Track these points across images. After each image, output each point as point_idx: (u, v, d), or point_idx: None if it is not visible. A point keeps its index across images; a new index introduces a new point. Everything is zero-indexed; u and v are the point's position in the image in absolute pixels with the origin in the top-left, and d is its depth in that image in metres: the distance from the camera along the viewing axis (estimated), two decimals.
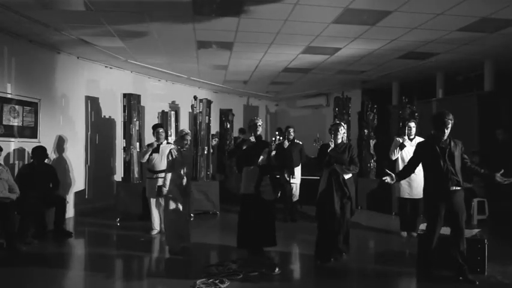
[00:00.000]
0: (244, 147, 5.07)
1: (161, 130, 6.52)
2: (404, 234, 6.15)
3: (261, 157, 5.01)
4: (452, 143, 4.22)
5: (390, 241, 6.08)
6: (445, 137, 4.21)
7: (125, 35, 6.34)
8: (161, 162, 6.33)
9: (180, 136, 5.56)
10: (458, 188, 4.20)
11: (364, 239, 6.34)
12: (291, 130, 7.50)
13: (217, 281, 4.03)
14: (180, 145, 5.47)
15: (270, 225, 5.04)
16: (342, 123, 5.22)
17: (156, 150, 6.37)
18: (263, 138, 5.53)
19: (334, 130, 5.06)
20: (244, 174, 5.09)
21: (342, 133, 5.06)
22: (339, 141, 5.05)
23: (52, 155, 7.19)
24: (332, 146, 4.96)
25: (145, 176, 6.89)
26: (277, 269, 4.51)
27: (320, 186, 4.99)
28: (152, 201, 6.36)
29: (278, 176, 5.42)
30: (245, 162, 5.10)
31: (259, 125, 5.14)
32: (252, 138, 5.06)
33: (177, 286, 4.29)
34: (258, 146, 5.05)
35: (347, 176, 4.96)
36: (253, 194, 4.93)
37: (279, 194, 5.19)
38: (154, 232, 6.33)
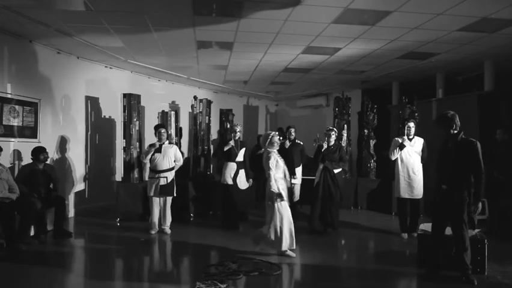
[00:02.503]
0: (225, 149, 6.60)
1: (163, 130, 6.56)
2: (405, 236, 6.15)
3: (239, 154, 6.62)
4: (459, 143, 4.19)
5: (390, 241, 6.08)
6: (451, 137, 4.21)
7: (125, 35, 6.34)
8: (163, 162, 6.36)
9: (268, 139, 5.32)
10: (453, 188, 4.18)
11: (364, 239, 6.34)
12: (292, 130, 7.52)
13: (217, 281, 4.03)
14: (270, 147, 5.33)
15: (236, 209, 6.58)
16: (334, 129, 6.76)
17: (158, 150, 6.39)
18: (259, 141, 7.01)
19: (327, 136, 6.61)
20: (224, 168, 6.63)
21: (333, 137, 6.60)
22: (332, 143, 6.59)
23: (54, 155, 7.20)
24: (325, 147, 6.51)
25: (145, 176, 6.92)
26: (277, 269, 4.51)
27: (316, 178, 6.54)
28: (154, 200, 6.37)
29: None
30: (226, 159, 6.66)
31: (238, 131, 6.77)
32: (232, 142, 6.63)
33: (177, 286, 4.30)
34: (237, 147, 6.66)
35: (337, 171, 6.59)
36: (231, 184, 6.51)
37: (250, 183, 6.85)
38: (154, 232, 6.34)
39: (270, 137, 5.26)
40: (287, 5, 4.93)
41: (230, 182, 6.52)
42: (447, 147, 4.26)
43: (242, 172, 6.65)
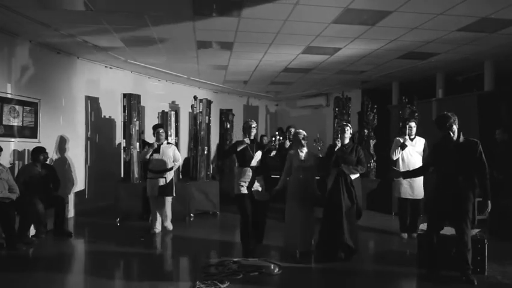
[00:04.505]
0: (238, 149, 5.11)
1: (161, 130, 6.55)
2: (405, 235, 6.13)
3: (255, 158, 5.13)
4: (462, 144, 4.18)
5: (390, 241, 6.08)
6: (454, 139, 4.19)
7: (125, 35, 6.34)
8: (162, 162, 6.35)
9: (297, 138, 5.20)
10: (463, 190, 4.16)
11: (364, 239, 6.32)
12: (292, 130, 7.51)
13: (217, 281, 4.03)
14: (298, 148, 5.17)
15: (260, 224, 5.19)
16: (349, 124, 5.32)
17: (157, 150, 6.39)
18: (266, 140, 5.63)
19: (341, 131, 5.22)
20: (237, 175, 5.17)
21: (348, 133, 5.21)
22: (346, 141, 5.20)
23: (54, 155, 7.20)
24: (339, 145, 5.10)
25: (144, 176, 6.93)
26: (277, 269, 4.52)
27: (328, 185, 5.04)
28: (154, 200, 6.38)
29: (273, 176, 5.40)
30: (238, 164, 5.21)
31: (254, 127, 5.21)
32: (247, 140, 5.12)
33: (177, 286, 4.30)
34: (252, 148, 5.16)
35: (354, 176, 5.07)
36: (246, 194, 5.04)
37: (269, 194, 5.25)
38: (154, 232, 6.34)
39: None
40: None
41: (245, 191, 5.08)
42: (448, 149, 4.24)
43: (259, 181, 5.19)
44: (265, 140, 9.90)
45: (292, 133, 7.47)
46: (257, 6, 5.04)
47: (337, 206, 4.78)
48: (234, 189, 5.17)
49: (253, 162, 5.15)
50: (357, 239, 4.98)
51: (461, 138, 4.22)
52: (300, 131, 5.24)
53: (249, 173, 5.10)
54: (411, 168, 5.98)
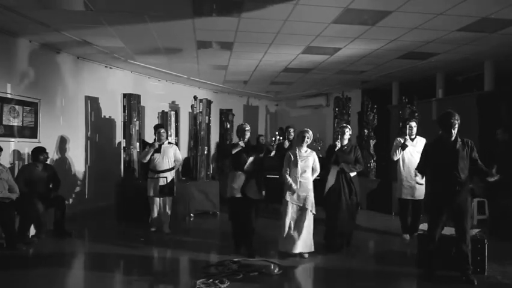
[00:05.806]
0: (233, 152, 5.22)
1: (162, 130, 6.56)
2: (407, 237, 6.09)
3: (248, 162, 5.21)
4: (459, 143, 4.20)
5: (390, 241, 6.08)
6: (453, 138, 4.20)
7: (125, 35, 6.34)
8: (163, 162, 6.36)
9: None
10: (463, 188, 4.17)
11: (364, 239, 6.33)
12: (291, 130, 7.52)
13: (217, 281, 4.03)
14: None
15: (247, 230, 5.20)
16: (348, 126, 5.69)
17: (158, 150, 6.39)
18: (263, 140, 5.67)
19: (340, 132, 5.57)
20: (231, 179, 5.27)
21: (348, 135, 5.55)
22: (345, 141, 5.52)
23: (54, 155, 7.20)
24: (339, 146, 5.44)
25: (144, 176, 6.93)
26: (277, 269, 4.52)
27: (328, 182, 5.41)
28: (154, 200, 6.38)
29: (270, 176, 5.43)
30: (232, 167, 5.32)
31: (247, 130, 5.34)
32: (241, 143, 5.22)
33: (177, 286, 4.31)
34: (247, 151, 5.24)
35: (353, 174, 5.49)
36: (239, 197, 5.15)
37: (263, 194, 5.35)
38: (154, 231, 6.34)
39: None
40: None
41: (238, 194, 5.15)
42: (446, 148, 4.24)
43: (252, 183, 5.21)
44: (262, 140, 9.91)
45: (291, 133, 7.50)
46: (257, 5, 5.04)
47: (338, 199, 5.30)
48: (227, 192, 5.30)
49: (246, 166, 5.23)
50: (352, 231, 5.58)
51: (459, 139, 4.23)
52: (308, 130, 5.27)
53: (242, 177, 5.16)
54: (412, 169, 5.97)
